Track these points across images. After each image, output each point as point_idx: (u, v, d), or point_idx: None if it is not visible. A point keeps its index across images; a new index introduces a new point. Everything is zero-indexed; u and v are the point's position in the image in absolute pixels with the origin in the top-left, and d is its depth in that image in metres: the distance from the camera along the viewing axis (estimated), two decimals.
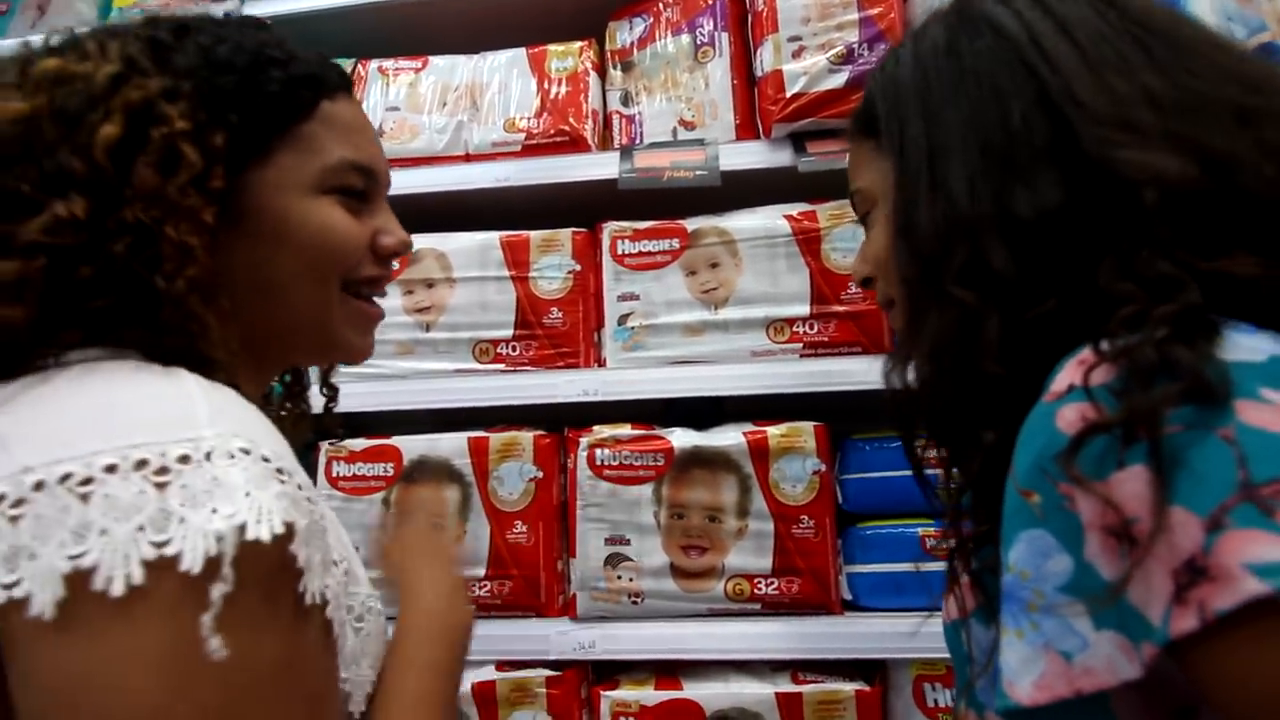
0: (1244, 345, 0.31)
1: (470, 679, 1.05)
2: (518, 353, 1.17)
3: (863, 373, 1.07)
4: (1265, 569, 0.26)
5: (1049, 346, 0.36)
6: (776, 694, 0.99)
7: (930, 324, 0.41)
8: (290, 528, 0.36)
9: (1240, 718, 0.29)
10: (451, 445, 1.14)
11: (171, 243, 0.40)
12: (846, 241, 1.11)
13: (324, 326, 0.51)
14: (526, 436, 1.13)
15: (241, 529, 0.34)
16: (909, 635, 1.00)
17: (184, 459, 0.35)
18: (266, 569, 0.35)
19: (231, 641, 0.33)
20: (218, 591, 0.33)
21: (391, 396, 1.17)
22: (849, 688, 0.98)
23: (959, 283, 0.39)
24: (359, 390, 1.17)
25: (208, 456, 0.35)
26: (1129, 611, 0.29)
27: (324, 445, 1.15)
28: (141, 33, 0.46)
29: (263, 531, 0.35)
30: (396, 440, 1.15)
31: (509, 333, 1.17)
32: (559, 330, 1.17)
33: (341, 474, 1.15)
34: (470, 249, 1.20)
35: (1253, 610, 0.27)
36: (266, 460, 0.37)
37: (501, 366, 1.17)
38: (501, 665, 1.07)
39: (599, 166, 1.18)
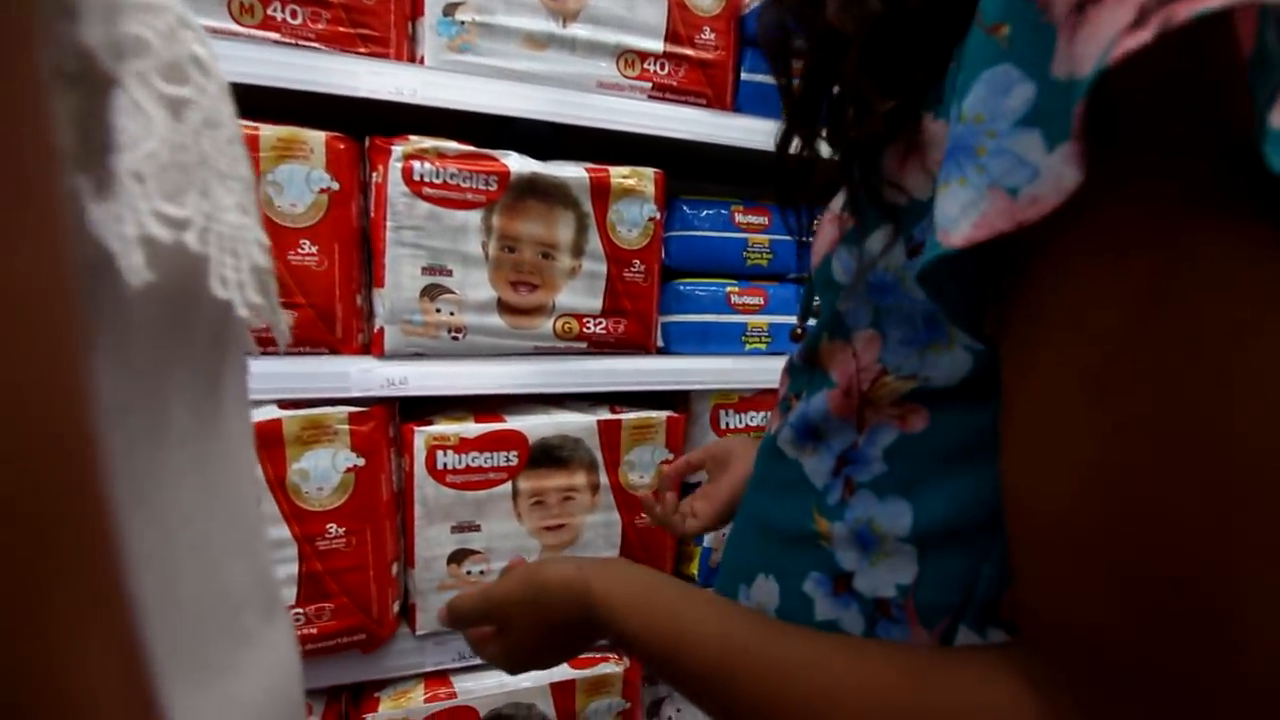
0: None
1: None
2: (300, 20, 0.88)
3: (703, 125, 1.06)
4: None
5: None
6: (598, 421, 1.02)
7: None
8: None
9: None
10: None
11: None
12: None
13: None
14: (315, 135, 0.89)
15: None
16: (712, 372, 1.11)
17: None
18: None
19: None
20: None
21: None
22: (661, 414, 1.07)
23: None
24: None
25: None
26: (1075, 86, 0.24)
27: None
28: None
29: None
30: None
31: None
32: (362, 3, 0.90)
33: None
34: None
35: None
36: None
37: (275, 35, 0.87)
38: (285, 404, 0.90)
39: None
